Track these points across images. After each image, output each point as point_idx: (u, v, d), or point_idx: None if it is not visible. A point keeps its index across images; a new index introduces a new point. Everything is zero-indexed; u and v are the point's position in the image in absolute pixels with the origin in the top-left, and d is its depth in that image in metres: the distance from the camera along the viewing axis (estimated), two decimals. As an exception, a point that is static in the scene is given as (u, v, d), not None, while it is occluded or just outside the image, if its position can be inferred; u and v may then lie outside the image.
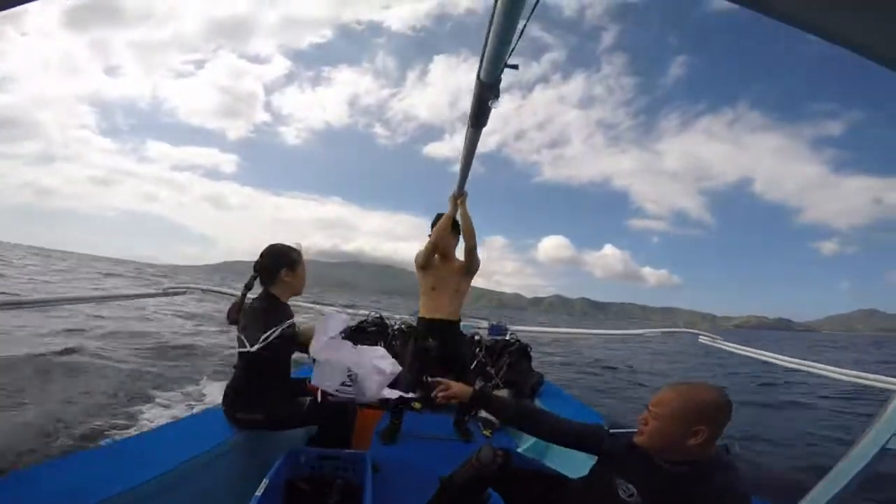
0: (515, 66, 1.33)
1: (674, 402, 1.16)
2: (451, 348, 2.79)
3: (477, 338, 3.70)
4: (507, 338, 3.70)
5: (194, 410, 4.11)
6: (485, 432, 2.96)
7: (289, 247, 1.96)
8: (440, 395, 1.69)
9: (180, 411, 4.44)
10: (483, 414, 3.00)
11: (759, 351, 4.23)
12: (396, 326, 3.82)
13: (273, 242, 2.00)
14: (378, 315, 4.02)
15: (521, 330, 6.21)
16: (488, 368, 3.30)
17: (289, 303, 2.05)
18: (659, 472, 1.21)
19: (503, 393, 3.11)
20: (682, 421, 1.14)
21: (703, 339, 5.42)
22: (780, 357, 3.88)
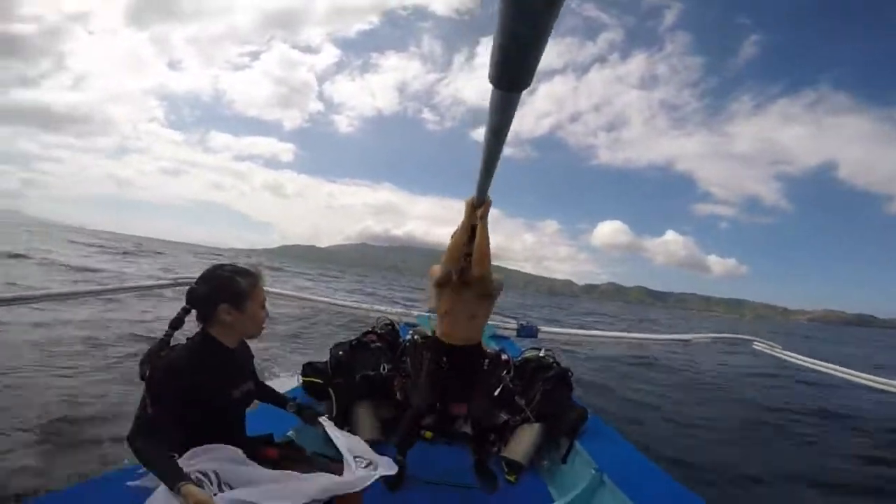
0: None
1: None
2: (469, 373, 2.38)
3: (504, 357, 3.16)
4: (541, 354, 3.10)
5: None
6: (508, 477, 2.40)
7: (239, 272, 1.36)
8: None
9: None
10: (508, 452, 2.47)
11: (820, 362, 3.66)
12: (408, 338, 3.39)
13: (221, 264, 1.40)
14: (389, 322, 3.59)
15: (554, 332, 5.71)
16: (517, 398, 2.74)
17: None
18: None
19: (534, 429, 2.55)
20: None
21: (758, 346, 4.81)
22: (844, 370, 3.33)
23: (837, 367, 3.15)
